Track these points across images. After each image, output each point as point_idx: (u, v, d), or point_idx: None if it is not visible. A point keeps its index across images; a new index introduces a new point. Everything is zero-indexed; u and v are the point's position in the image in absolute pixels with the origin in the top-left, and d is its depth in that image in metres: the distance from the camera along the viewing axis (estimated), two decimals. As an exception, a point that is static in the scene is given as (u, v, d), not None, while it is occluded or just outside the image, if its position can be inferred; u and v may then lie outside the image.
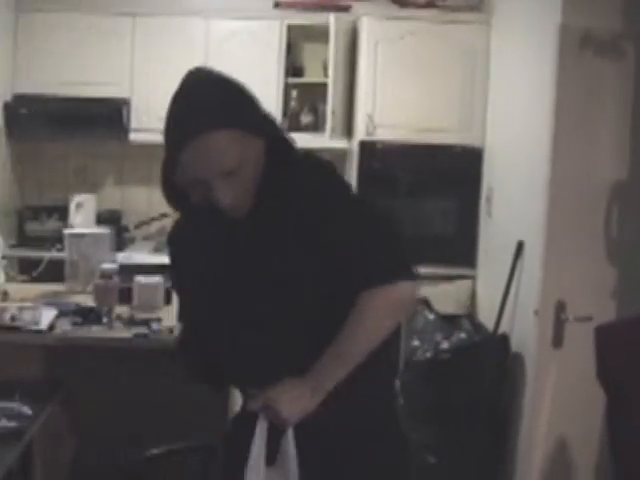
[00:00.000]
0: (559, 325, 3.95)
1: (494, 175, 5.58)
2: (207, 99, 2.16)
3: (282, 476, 2.08)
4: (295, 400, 2.05)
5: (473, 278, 5.83)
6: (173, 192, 2.17)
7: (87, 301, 3.88)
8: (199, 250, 2.22)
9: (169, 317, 3.71)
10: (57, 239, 5.05)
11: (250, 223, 2.15)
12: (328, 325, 2.08)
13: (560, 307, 3.93)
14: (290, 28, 6.14)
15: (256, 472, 2.07)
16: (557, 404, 4.07)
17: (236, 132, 2.08)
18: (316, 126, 6.21)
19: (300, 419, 2.05)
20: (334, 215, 2.12)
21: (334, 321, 2.08)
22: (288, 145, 2.20)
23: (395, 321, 2.14)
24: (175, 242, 2.32)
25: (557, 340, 3.97)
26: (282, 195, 2.13)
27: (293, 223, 2.11)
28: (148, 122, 6.05)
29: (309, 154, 2.22)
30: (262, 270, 2.14)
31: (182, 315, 2.37)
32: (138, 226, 6.50)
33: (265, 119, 2.17)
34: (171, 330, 3.53)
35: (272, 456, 2.09)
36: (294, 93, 6.21)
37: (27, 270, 5.14)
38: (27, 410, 3.02)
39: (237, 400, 3.24)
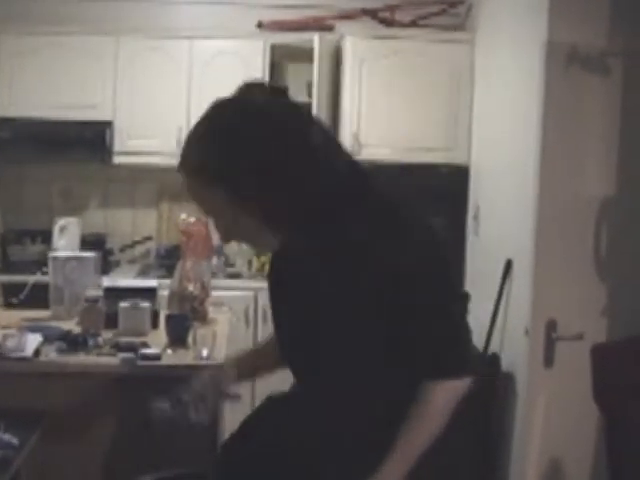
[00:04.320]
0: (550, 344, 3.91)
1: (481, 193, 5.57)
2: (201, 138, 1.96)
3: None
4: None
5: (461, 297, 5.80)
6: None
7: (73, 327, 3.82)
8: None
9: (156, 342, 3.67)
10: (41, 263, 4.99)
11: (294, 258, 2.10)
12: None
13: (551, 326, 3.90)
14: (274, 48, 6.11)
15: None
16: (549, 424, 4.04)
17: (194, 179, 1.96)
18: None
19: None
20: (403, 280, 1.96)
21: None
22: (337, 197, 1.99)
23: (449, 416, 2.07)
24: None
25: (548, 359, 3.93)
26: (337, 244, 1.99)
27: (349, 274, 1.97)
28: (132, 144, 6.03)
29: (382, 194, 2.04)
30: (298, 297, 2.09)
31: None
32: (123, 249, 6.46)
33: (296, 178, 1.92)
34: (158, 356, 3.48)
35: None
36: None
37: (11, 295, 5.08)
38: (13, 439, 2.96)
39: (227, 426, 3.21)
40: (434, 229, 2.07)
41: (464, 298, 2.15)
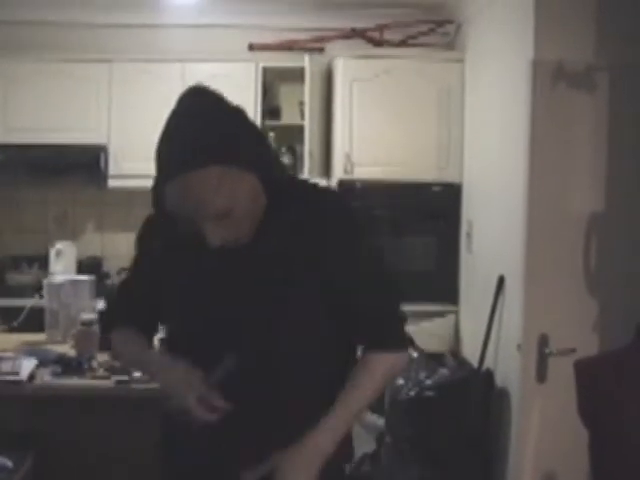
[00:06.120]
0: (542, 359, 3.93)
1: (473, 210, 5.60)
2: (193, 130, 1.93)
3: None
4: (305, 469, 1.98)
5: (456, 314, 5.83)
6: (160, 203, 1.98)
7: (68, 350, 3.84)
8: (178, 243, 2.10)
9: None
10: (38, 288, 5.01)
11: (248, 250, 2.04)
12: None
13: (543, 341, 3.92)
14: (265, 70, 6.16)
15: None
16: (543, 439, 4.05)
17: (224, 169, 1.89)
18: (294, 167, 6.20)
19: None
20: (351, 253, 2.13)
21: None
22: (289, 178, 2.14)
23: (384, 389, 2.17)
24: (151, 227, 2.27)
25: (541, 374, 3.95)
26: (292, 224, 2.05)
27: (302, 250, 2.04)
28: (126, 168, 6.05)
29: (318, 185, 2.20)
30: (256, 277, 2.03)
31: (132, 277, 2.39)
32: (119, 272, 6.47)
33: (261, 151, 1.99)
34: (152, 377, 3.50)
35: None
36: (272, 135, 6.22)
37: (8, 320, 5.09)
38: (8, 462, 2.98)
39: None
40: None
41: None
